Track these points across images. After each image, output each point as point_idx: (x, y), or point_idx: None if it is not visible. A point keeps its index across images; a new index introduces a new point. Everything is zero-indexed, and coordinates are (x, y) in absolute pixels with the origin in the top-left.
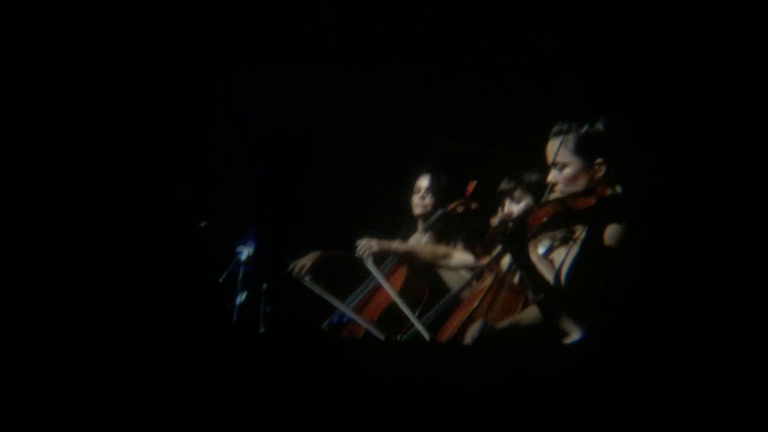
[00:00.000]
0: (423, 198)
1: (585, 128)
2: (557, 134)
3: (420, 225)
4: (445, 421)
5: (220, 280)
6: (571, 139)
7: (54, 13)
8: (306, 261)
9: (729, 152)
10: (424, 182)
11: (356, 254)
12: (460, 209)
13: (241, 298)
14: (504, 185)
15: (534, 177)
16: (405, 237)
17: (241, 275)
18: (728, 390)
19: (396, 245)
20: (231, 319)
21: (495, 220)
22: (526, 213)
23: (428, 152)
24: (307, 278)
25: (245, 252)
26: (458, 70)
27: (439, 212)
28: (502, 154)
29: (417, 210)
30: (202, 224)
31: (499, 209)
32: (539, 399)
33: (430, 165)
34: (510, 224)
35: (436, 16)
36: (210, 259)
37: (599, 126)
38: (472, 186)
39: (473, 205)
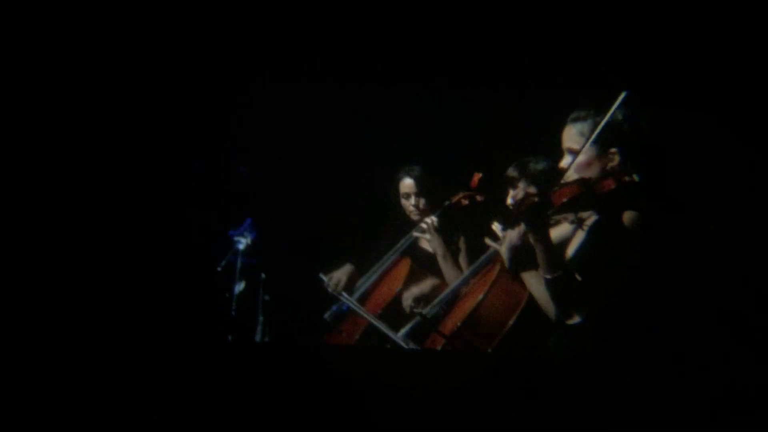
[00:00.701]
0: (417, 203)
1: (603, 116)
2: (575, 120)
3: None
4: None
5: (219, 269)
6: (587, 125)
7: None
8: (341, 276)
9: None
10: (410, 186)
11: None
12: (466, 201)
13: (239, 287)
14: (510, 172)
15: (540, 165)
16: (395, 239)
17: (239, 266)
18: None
19: (435, 283)
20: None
21: (510, 199)
22: (550, 190)
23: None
24: (344, 294)
25: (243, 242)
26: (460, 80)
27: (445, 204)
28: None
29: (413, 216)
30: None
31: (507, 195)
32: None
33: (404, 167)
34: (535, 200)
35: (439, 24)
36: (208, 250)
37: (618, 115)
38: (477, 178)
39: (479, 197)
